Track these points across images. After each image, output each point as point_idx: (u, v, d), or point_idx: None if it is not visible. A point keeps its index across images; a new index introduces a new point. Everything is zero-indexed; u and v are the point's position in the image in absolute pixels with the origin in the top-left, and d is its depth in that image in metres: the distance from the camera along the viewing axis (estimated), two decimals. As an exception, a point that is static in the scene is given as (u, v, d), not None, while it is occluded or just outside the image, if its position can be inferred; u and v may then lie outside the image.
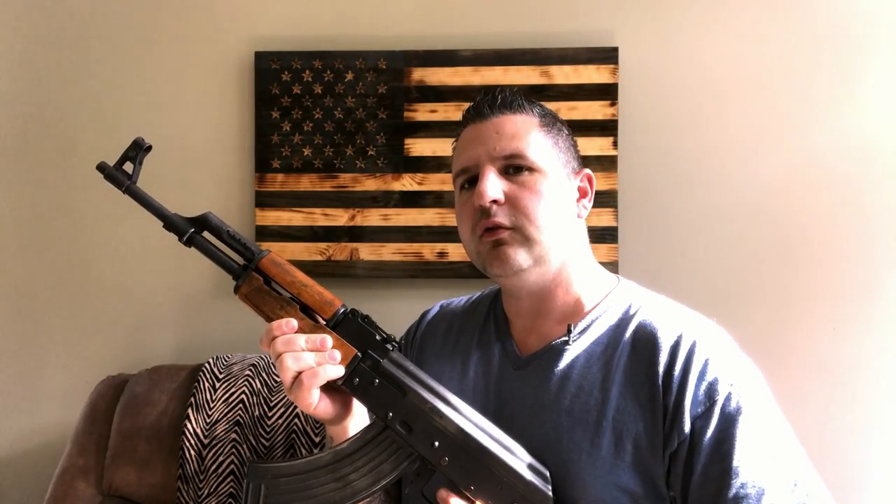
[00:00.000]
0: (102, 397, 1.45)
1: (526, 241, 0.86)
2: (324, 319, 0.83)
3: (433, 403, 0.80)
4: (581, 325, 0.89)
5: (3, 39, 1.65)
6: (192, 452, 1.35)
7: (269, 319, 0.83)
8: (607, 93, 1.53)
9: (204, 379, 1.40)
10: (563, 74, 1.54)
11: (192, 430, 1.36)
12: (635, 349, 0.86)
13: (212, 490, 1.34)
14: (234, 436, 1.36)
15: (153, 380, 1.44)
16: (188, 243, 0.86)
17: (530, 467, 0.80)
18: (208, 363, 1.44)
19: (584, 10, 1.56)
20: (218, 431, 1.36)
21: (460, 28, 1.58)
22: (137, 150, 0.87)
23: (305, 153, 1.58)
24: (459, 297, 1.10)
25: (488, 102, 0.92)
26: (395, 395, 0.81)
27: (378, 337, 0.83)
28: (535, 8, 1.57)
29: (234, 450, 1.35)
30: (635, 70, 1.54)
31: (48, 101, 1.64)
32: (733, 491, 0.76)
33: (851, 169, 1.51)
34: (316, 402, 0.81)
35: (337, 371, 0.80)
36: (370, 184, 1.58)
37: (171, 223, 0.86)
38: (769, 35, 1.53)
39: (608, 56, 1.53)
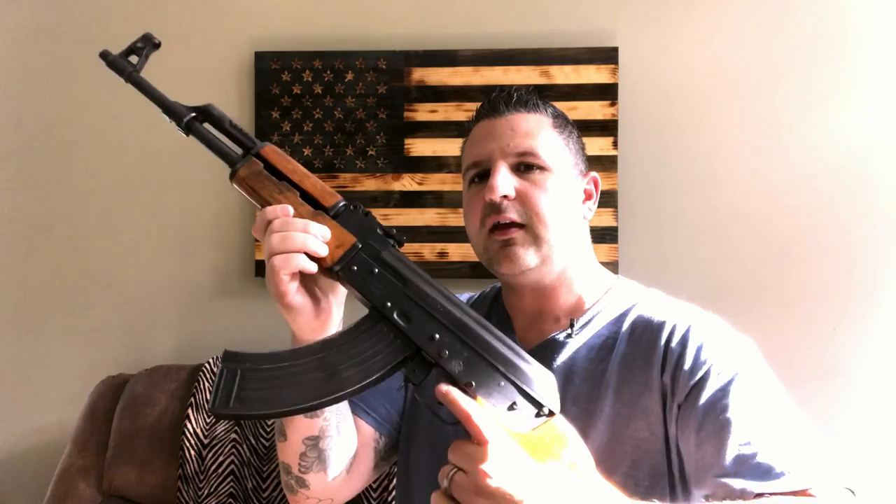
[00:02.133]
0: (102, 397, 1.45)
1: (535, 239, 0.87)
2: (324, 208, 0.79)
3: (434, 297, 0.76)
4: (582, 321, 0.91)
5: (4, 40, 1.65)
6: (192, 452, 1.35)
7: (267, 205, 0.79)
8: (607, 93, 1.53)
9: (204, 379, 1.40)
10: (563, 74, 1.54)
11: (192, 430, 1.36)
12: (633, 338, 0.88)
13: (212, 490, 1.34)
14: (234, 436, 1.36)
15: (153, 380, 1.44)
16: (187, 130, 0.82)
17: (536, 369, 0.75)
18: (208, 363, 1.44)
19: (584, 10, 1.56)
20: (218, 431, 1.36)
21: (460, 28, 1.58)
22: (146, 43, 0.84)
23: (305, 153, 1.58)
24: (461, 294, 1.10)
25: (504, 99, 0.92)
26: (394, 285, 0.76)
27: (380, 231, 0.79)
28: (535, 8, 1.57)
29: (234, 450, 1.35)
30: (635, 70, 1.54)
31: (48, 101, 1.64)
32: (733, 443, 0.76)
33: (852, 169, 1.50)
34: (293, 292, 0.75)
35: (320, 247, 0.75)
36: (370, 184, 1.57)
37: (170, 109, 0.83)
38: (769, 35, 1.53)
39: (608, 56, 1.53)
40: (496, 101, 0.93)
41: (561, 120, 0.94)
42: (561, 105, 0.96)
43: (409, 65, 1.57)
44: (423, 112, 1.57)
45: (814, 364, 1.49)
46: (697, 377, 0.81)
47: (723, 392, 0.79)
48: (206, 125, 0.83)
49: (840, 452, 1.46)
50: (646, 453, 0.82)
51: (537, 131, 0.90)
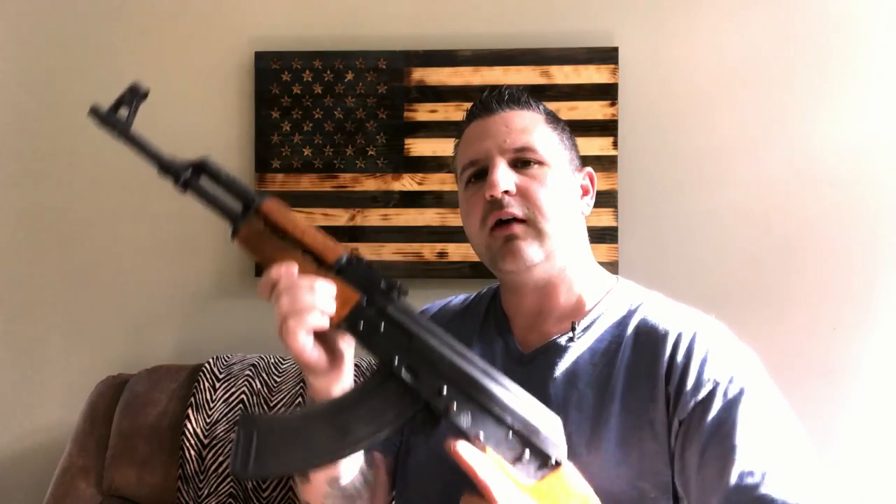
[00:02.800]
0: (102, 397, 1.45)
1: (538, 234, 0.86)
2: (327, 265, 0.79)
3: (440, 351, 0.76)
4: (584, 323, 0.90)
5: (4, 39, 1.65)
6: (192, 452, 1.35)
7: (270, 262, 0.79)
8: (607, 93, 1.53)
9: (204, 379, 1.40)
10: (563, 74, 1.54)
11: (192, 430, 1.36)
12: (637, 345, 0.86)
13: (212, 490, 1.34)
14: (233, 436, 1.36)
15: (153, 380, 1.44)
16: (184, 187, 0.82)
17: (543, 416, 0.76)
18: (208, 363, 1.44)
19: (584, 10, 1.56)
20: (218, 431, 1.36)
21: (460, 28, 1.58)
22: (134, 95, 0.82)
23: (305, 153, 1.58)
24: (456, 295, 1.10)
25: (495, 98, 0.92)
26: (401, 341, 0.77)
27: (383, 284, 0.79)
28: (535, 8, 1.57)
29: (233, 450, 1.35)
30: (635, 70, 1.54)
31: (48, 100, 1.64)
32: (736, 471, 0.75)
33: (852, 169, 1.50)
34: (310, 347, 0.76)
35: (328, 305, 0.76)
36: (370, 184, 1.58)
37: (166, 166, 0.81)
38: (769, 34, 1.53)
39: (608, 56, 1.53)
40: (488, 100, 0.92)
41: (553, 117, 0.94)
42: (561, 105, 0.96)
43: (409, 65, 1.57)
44: (423, 112, 1.57)
45: (813, 365, 1.49)
46: (701, 395, 0.79)
47: (727, 413, 0.78)
48: (203, 178, 0.83)
49: (840, 453, 1.47)
50: (653, 464, 0.81)
51: (532, 127, 0.90)
